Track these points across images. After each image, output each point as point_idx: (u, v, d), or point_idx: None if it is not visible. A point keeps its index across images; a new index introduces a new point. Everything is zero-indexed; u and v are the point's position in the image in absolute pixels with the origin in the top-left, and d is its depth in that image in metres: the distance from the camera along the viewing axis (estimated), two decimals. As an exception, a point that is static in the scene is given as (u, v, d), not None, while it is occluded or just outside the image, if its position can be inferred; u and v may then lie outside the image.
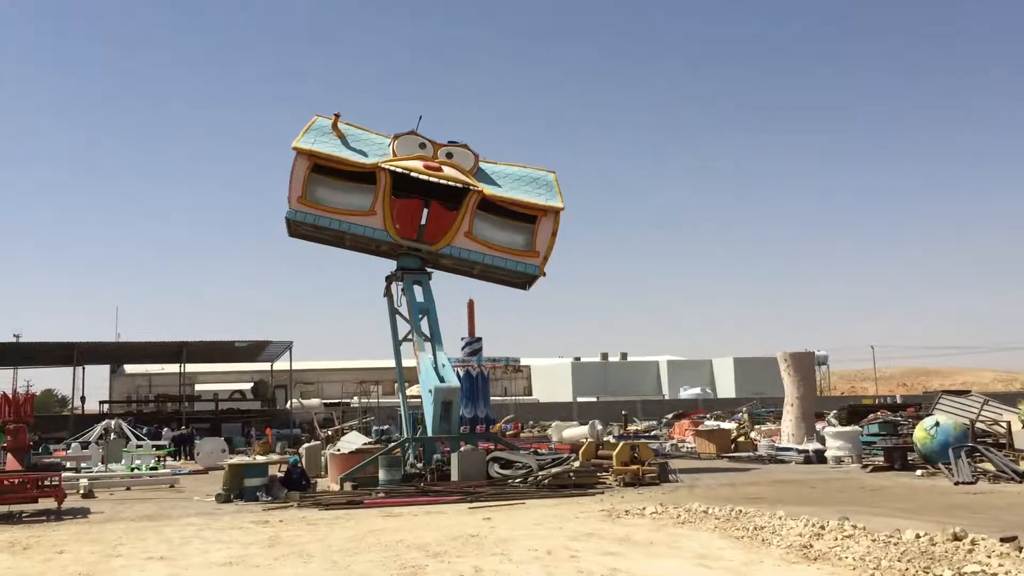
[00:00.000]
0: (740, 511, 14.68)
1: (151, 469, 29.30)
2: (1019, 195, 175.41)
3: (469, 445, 22.79)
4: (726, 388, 75.73)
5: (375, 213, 25.56)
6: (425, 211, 25.97)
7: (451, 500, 19.25)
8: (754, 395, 66.55)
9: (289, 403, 55.18)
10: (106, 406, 58.12)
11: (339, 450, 24.07)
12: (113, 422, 38.67)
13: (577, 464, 21.72)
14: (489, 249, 26.24)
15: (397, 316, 26.70)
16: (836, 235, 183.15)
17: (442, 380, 23.91)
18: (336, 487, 22.39)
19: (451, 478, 21.94)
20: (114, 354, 58.03)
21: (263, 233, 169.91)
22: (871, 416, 29.65)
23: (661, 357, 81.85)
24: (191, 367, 55.06)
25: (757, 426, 38.21)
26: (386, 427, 42.70)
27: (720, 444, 32.06)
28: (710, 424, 38.01)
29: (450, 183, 25.71)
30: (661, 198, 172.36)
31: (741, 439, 33.00)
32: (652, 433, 46.06)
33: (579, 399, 69.38)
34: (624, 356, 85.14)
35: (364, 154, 26.04)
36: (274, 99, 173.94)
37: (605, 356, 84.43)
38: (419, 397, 42.26)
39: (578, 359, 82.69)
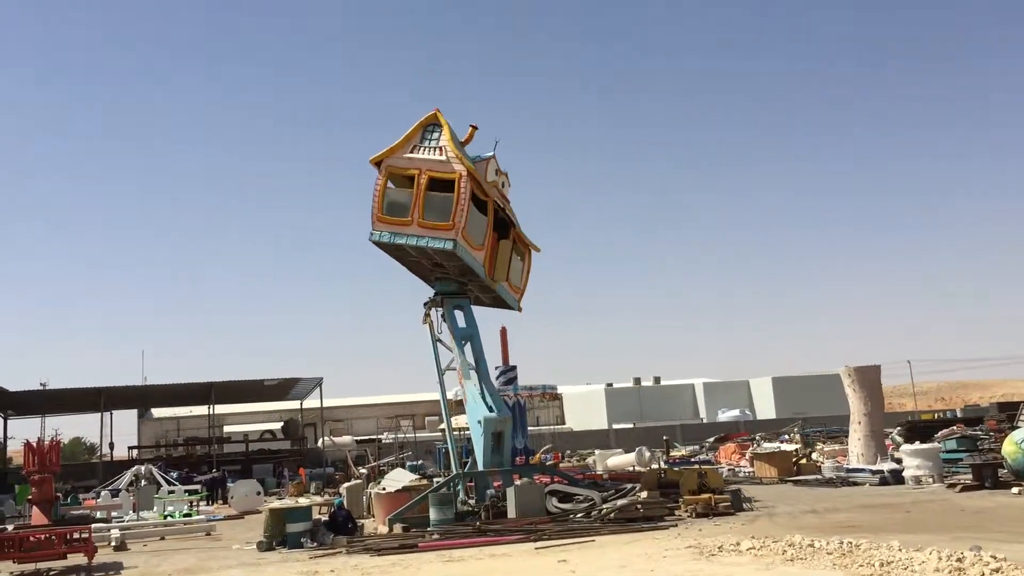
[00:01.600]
0: (851, 544, 12.98)
1: (184, 516, 27.83)
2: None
3: (525, 478, 21.16)
4: (765, 409, 73.62)
5: (483, 248, 23.74)
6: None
7: (513, 540, 17.62)
8: (795, 415, 64.54)
9: (320, 441, 53.61)
10: (135, 452, 56.74)
11: (384, 489, 22.50)
12: (143, 468, 37.20)
13: (645, 495, 20.02)
14: (510, 287, 25.56)
15: (439, 344, 25.15)
16: (865, 249, 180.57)
17: (491, 409, 22.38)
18: (384, 529, 20.80)
19: (507, 515, 20.31)
20: (142, 398, 56.77)
21: (281, 272, 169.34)
22: (945, 432, 27.77)
23: (696, 380, 79.86)
24: (219, 408, 53.79)
25: (818, 446, 36.24)
26: (420, 462, 41.13)
27: (782, 467, 30.25)
28: (769, 447, 36.13)
29: (514, 222, 25.04)
30: (684, 220, 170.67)
31: (803, 461, 31.15)
32: (697, 457, 44.20)
33: (614, 426, 67.54)
34: (657, 380, 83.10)
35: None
36: (290, 119, 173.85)
37: (638, 381, 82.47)
38: (461, 430, 41.04)
39: (610, 385, 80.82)
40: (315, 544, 18.79)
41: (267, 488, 39.45)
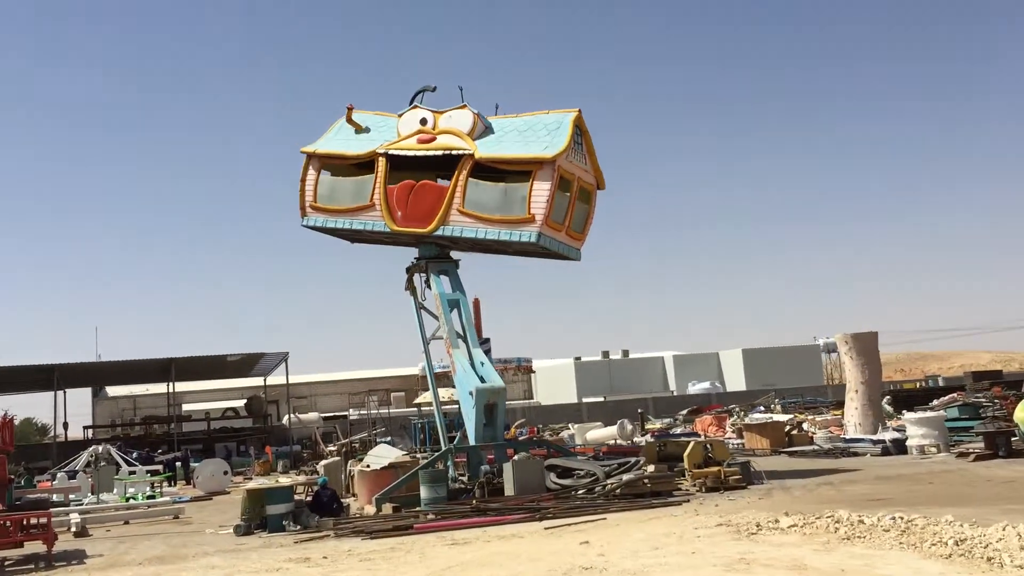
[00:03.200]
0: (903, 519, 11.76)
1: (148, 497, 26.12)
2: (1009, 176, 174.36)
3: (523, 453, 19.80)
4: (735, 381, 73.07)
5: (373, 205, 23.19)
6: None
7: (517, 519, 16.27)
8: (765, 386, 64.06)
9: (287, 418, 51.81)
10: (90, 432, 54.48)
11: (368, 466, 21.00)
12: (101, 447, 35.34)
13: (652, 469, 18.75)
14: (481, 222, 22.30)
15: (423, 311, 23.64)
16: (825, 222, 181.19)
17: (483, 380, 20.94)
18: (371, 509, 19.33)
19: (504, 492, 18.95)
20: (96, 375, 54.42)
21: (238, 244, 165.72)
22: (945, 399, 26.88)
23: (666, 352, 79.10)
24: (179, 386, 51.59)
25: (800, 417, 35.31)
26: (389, 439, 39.67)
27: (774, 438, 29.25)
28: (759, 417, 35.16)
29: (436, 152, 22.81)
30: (654, 189, 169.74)
31: (794, 432, 30.17)
32: (676, 430, 43.24)
33: (585, 399, 66.61)
34: (626, 353, 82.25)
35: (369, 142, 23.61)
36: (258, 93, 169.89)
37: (606, 354, 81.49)
38: (431, 404, 39.58)
39: (579, 359, 79.83)
40: (298, 527, 17.29)
41: (233, 467, 37.71)
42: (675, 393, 70.59)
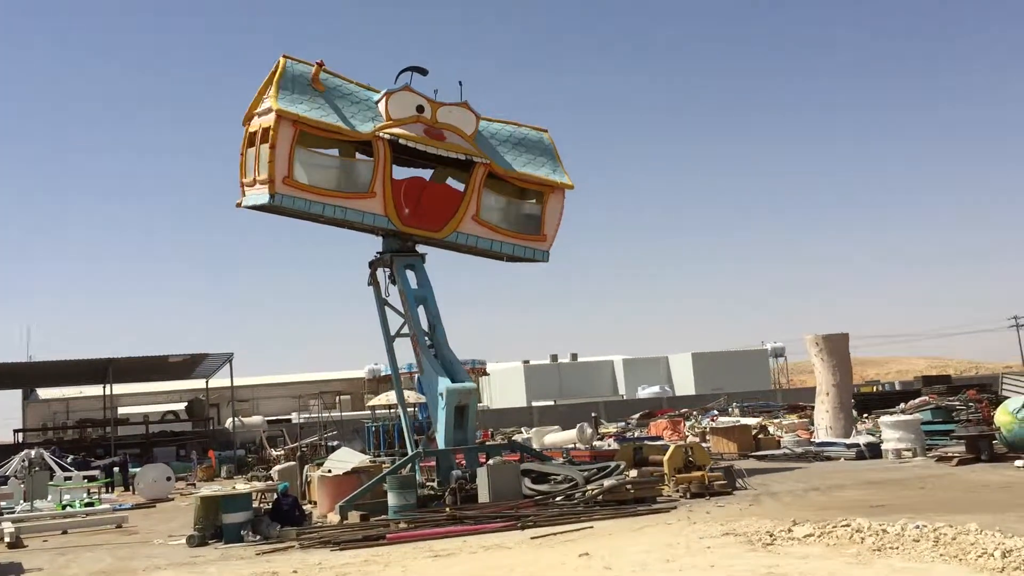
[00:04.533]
0: (929, 528, 10.95)
1: (86, 505, 24.43)
2: (943, 181, 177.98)
3: (497, 457, 18.70)
4: (684, 385, 72.78)
5: (374, 195, 20.94)
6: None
7: (497, 527, 15.19)
8: (715, 391, 63.89)
9: (232, 422, 49.89)
10: (20, 435, 51.93)
11: (329, 471, 19.69)
12: (34, 451, 33.29)
13: (634, 474, 17.80)
14: (497, 234, 22.46)
15: (387, 308, 22.38)
16: (768, 223, 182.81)
17: (453, 380, 19.81)
18: (334, 517, 18.03)
19: (479, 498, 17.84)
20: (28, 376, 51.85)
21: (178, 239, 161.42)
22: (916, 402, 26.46)
23: (615, 356, 78.55)
24: (115, 389, 49.39)
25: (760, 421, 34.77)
26: (336, 444, 38.26)
27: (741, 442, 28.58)
28: (726, 420, 34.51)
29: (457, 155, 21.72)
30: (604, 194, 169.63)
31: (761, 436, 29.56)
32: (632, 434, 42.51)
33: (534, 403, 65.71)
34: (575, 357, 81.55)
35: (352, 117, 21.05)
36: (196, 67, 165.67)
37: (555, 358, 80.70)
38: (390, 407, 38.22)
39: (527, 362, 78.93)
40: (258, 537, 15.94)
41: (174, 472, 35.93)
42: (625, 397, 70.04)
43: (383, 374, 69.23)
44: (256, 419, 53.86)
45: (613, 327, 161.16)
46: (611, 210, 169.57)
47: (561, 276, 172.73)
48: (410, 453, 20.00)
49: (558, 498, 17.65)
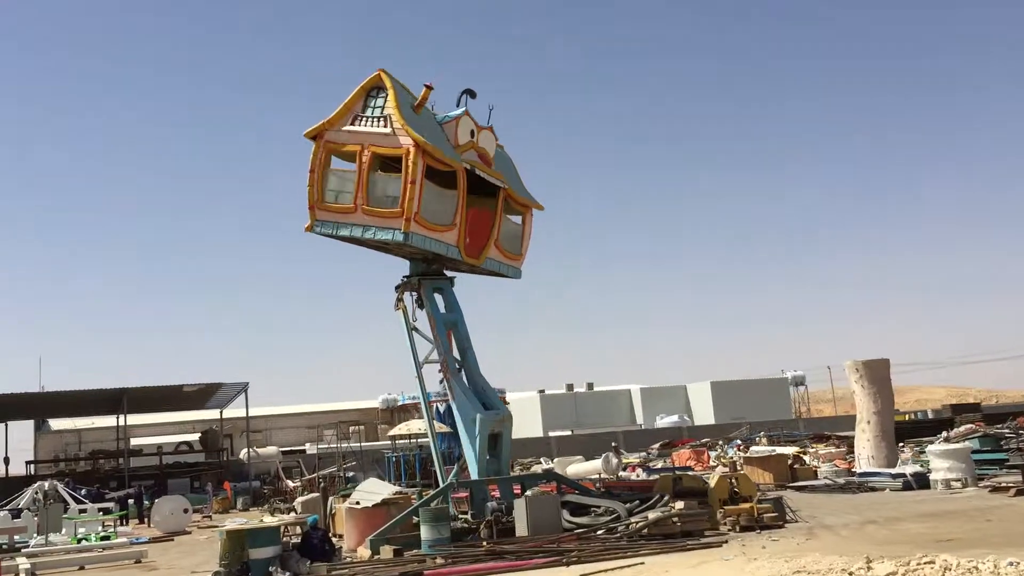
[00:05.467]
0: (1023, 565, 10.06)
1: (102, 538, 23.62)
2: (965, 216, 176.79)
3: (535, 488, 17.83)
4: (703, 415, 71.70)
5: (454, 227, 20.02)
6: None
7: (541, 563, 14.34)
8: (734, 420, 62.82)
9: (247, 452, 49.00)
10: (33, 467, 51.14)
11: (358, 503, 18.84)
12: (47, 483, 32.51)
13: (680, 505, 16.90)
14: (505, 257, 21.81)
15: (415, 333, 21.62)
16: (789, 258, 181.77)
17: (486, 407, 19.00)
18: (365, 552, 17.16)
19: (515, 532, 16.96)
20: (40, 407, 51.20)
21: (168, 275, 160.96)
22: (963, 430, 25.52)
23: (633, 385, 77.55)
24: (128, 419, 48.64)
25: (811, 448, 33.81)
26: (352, 475, 37.40)
27: (778, 472, 27.62)
28: (761, 450, 33.52)
29: (499, 183, 21.24)
30: (619, 223, 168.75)
31: (797, 466, 28.58)
32: (657, 464, 41.48)
33: (551, 433, 64.69)
34: (590, 386, 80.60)
35: (439, 141, 19.81)
36: (211, 82, 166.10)
37: (571, 387, 79.75)
38: (410, 437, 37.34)
39: (543, 391, 77.98)
40: (287, 574, 15.11)
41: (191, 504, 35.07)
42: (643, 426, 69.01)
43: (399, 404, 68.65)
44: (271, 450, 52.99)
45: (629, 356, 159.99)
46: (627, 239, 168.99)
47: (576, 304, 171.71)
48: (441, 484, 19.16)
49: (600, 531, 16.78)
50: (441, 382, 24.15)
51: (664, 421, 67.53)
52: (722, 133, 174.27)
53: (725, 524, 17.38)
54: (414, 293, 21.55)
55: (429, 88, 19.56)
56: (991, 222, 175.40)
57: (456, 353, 20.61)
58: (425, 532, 16.61)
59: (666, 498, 17.67)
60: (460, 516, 18.55)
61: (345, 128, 19.39)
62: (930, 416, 44.34)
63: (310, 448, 58.00)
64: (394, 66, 19.95)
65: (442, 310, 21.02)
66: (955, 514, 17.40)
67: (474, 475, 18.83)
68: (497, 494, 18.89)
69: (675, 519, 16.47)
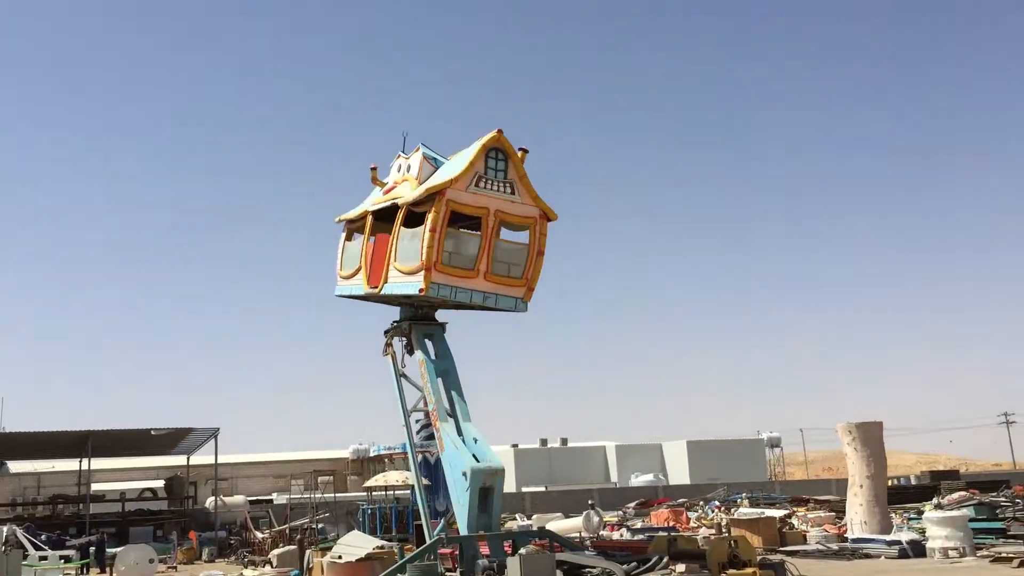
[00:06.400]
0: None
1: (64, 589, 22.45)
2: (935, 277, 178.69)
3: (529, 546, 17.02)
4: (679, 474, 70.89)
5: (361, 267, 21.22)
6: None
7: (539, 627, 13.51)
8: (710, 480, 62.10)
9: (213, 501, 47.50)
10: (-10, 511, 49.29)
11: (340, 557, 17.94)
12: (6, 528, 31.12)
13: (681, 568, 16.16)
14: (402, 276, 19.77)
15: (404, 380, 20.91)
16: (758, 316, 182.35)
17: (478, 459, 18.24)
18: (346, 610, 16.26)
19: (508, 592, 16.12)
20: (1, 448, 49.54)
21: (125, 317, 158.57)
22: (955, 497, 25.01)
23: (608, 442, 76.67)
24: (88, 464, 47.08)
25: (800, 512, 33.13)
26: (320, 526, 36.24)
27: (767, 535, 26.86)
28: (749, 512, 32.80)
29: (379, 205, 20.98)
30: (596, 275, 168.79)
31: (786, 530, 27.90)
32: (634, 524, 40.62)
33: (524, 489, 63.62)
34: (564, 442, 79.64)
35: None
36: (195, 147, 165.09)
37: (545, 442, 78.76)
38: (386, 489, 36.21)
39: (516, 446, 76.90)
40: (267, 632, 14.17)
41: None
42: (617, 484, 68.10)
43: (371, 455, 67.25)
44: (238, 499, 51.51)
45: (604, 412, 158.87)
46: (602, 293, 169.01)
47: (550, 357, 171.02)
48: (427, 539, 18.31)
49: (596, 594, 16.00)
50: (419, 432, 23.49)
51: (639, 479, 66.63)
52: (697, 180, 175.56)
53: (726, 590, 16.63)
54: (403, 339, 20.97)
55: (373, 169, 21.44)
56: (972, 285, 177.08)
57: (446, 402, 19.89)
58: (412, 590, 15.74)
59: (665, 560, 16.93)
60: (447, 573, 17.67)
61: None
62: (913, 482, 43.79)
63: (277, 498, 56.65)
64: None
65: (432, 356, 20.38)
66: (962, 585, 16.79)
67: (463, 530, 18.00)
68: (487, 551, 18.04)
69: (676, 583, 15.72)
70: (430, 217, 18.76)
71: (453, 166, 19.82)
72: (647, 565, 16.67)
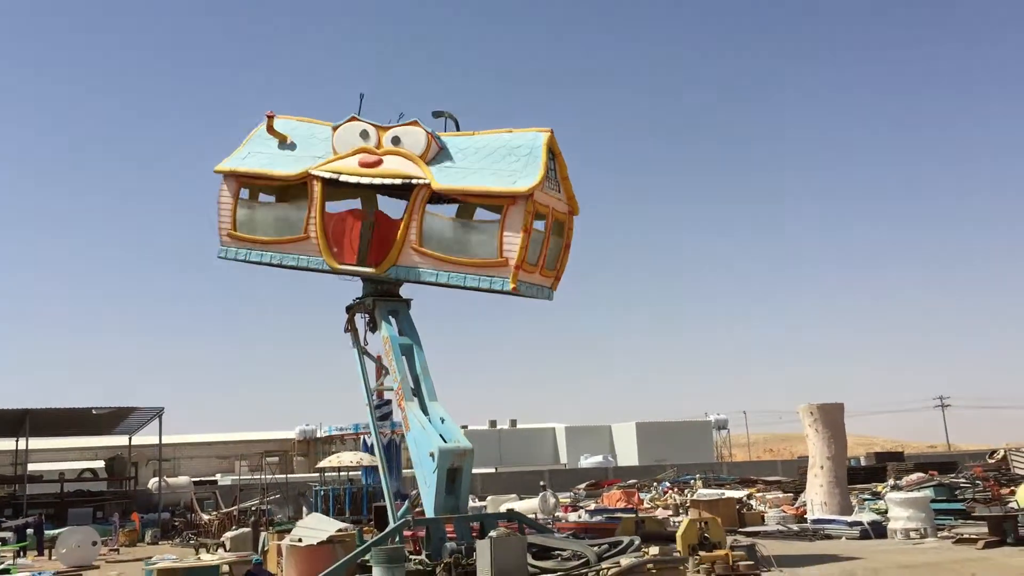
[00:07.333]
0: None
1: (1, 571, 21.46)
2: (882, 260, 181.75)
3: (501, 529, 16.54)
4: (628, 455, 71.13)
5: (308, 237, 20.18)
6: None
7: (515, 613, 13.04)
8: (657, 462, 62.46)
9: (156, 482, 46.24)
10: (-81, 491, 47.35)
11: (299, 540, 17.27)
12: (-60, 509, 29.79)
13: (655, 551, 15.82)
14: (444, 263, 19.44)
15: (366, 357, 20.24)
16: (704, 296, 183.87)
17: (445, 439, 17.69)
18: (308, 595, 15.63)
19: (478, 575, 15.62)
20: (-69, 427, 47.58)
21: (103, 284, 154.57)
22: (915, 478, 25.15)
23: (557, 424, 76.61)
24: (26, 443, 45.49)
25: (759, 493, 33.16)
26: (268, 508, 35.45)
27: (726, 516, 26.64)
28: (708, 493, 32.72)
29: (385, 180, 19.93)
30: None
31: (744, 511, 27.86)
32: (587, 505, 40.44)
33: (474, 470, 63.15)
34: (514, 423, 79.45)
35: (297, 160, 20.58)
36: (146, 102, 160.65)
37: (494, 423, 78.49)
38: (346, 470, 35.54)
39: (465, 427, 76.42)
40: (228, 619, 13.50)
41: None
42: (567, 466, 68.15)
43: (318, 436, 66.27)
44: (182, 480, 50.25)
45: (553, 394, 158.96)
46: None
47: (499, 339, 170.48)
48: (391, 522, 17.73)
49: (568, 577, 15.59)
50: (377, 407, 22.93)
51: (589, 461, 66.71)
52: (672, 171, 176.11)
53: (699, 572, 16.34)
54: (366, 315, 20.33)
55: (270, 116, 20.97)
56: (912, 266, 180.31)
57: (411, 380, 19.29)
58: (378, 573, 15.15)
59: (637, 542, 16.58)
60: (413, 557, 17.12)
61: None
62: (863, 463, 44.29)
63: (222, 479, 55.56)
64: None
65: (396, 333, 19.75)
66: (935, 567, 16.74)
67: (429, 512, 17.45)
68: (453, 534, 17.53)
69: (650, 566, 15.38)
70: (521, 217, 18.79)
71: (519, 168, 19.47)
72: (619, 548, 16.29)
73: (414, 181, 19.61)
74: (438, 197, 19.88)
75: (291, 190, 20.89)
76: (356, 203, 21.31)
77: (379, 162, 19.84)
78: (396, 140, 20.12)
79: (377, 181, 19.83)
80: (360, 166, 19.91)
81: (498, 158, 19.76)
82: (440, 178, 19.58)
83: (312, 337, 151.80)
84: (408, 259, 19.61)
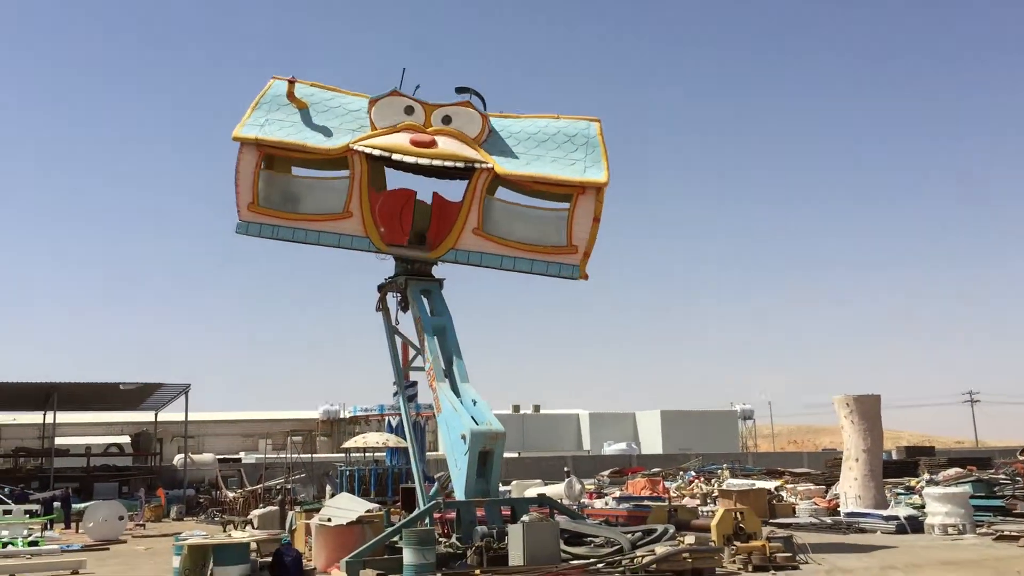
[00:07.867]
0: None
1: (30, 544, 21.41)
2: (910, 257, 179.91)
3: (534, 513, 16.24)
4: (651, 443, 70.80)
5: (350, 215, 19.28)
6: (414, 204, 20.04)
7: (548, 598, 12.76)
8: (681, 450, 62.07)
9: (182, 458, 46.45)
10: (-52, 463, 47.91)
11: (329, 520, 17.06)
12: (-33, 481, 29.93)
13: (691, 539, 15.48)
14: (509, 248, 19.57)
15: (398, 337, 19.97)
16: (725, 290, 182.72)
17: (477, 421, 17.39)
18: (338, 574, 15.41)
19: (509, 560, 15.34)
20: (-38, 399, 47.95)
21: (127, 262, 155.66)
22: (951, 473, 24.61)
23: (581, 410, 76.35)
24: (53, 417, 45.76)
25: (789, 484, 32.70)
26: (291, 487, 35.39)
27: (757, 507, 26.20)
28: (738, 483, 32.32)
29: (447, 163, 19.36)
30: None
31: (775, 502, 27.42)
32: (612, 493, 40.13)
33: (502, 454, 63.06)
34: (537, 408, 79.25)
35: (329, 131, 19.69)
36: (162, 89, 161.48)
37: (517, 408, 78.30)
38: (372, 450, 35.47)
39: (490, 412, 76.34)
40: (257, 597, 13.32)
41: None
42: (590, 452, 67.88)
43: (342, 416, 66.33)
44: (207, 457, 50.50)
45: (577, 380, 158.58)
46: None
47: (524, 323, 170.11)
48: (421, 505, 17.49)
49: (600, 565, 15.27)
50: (396, 394, 22.67)
51: (612, 448, 66.43)
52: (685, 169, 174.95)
53: (734, 563, 15.99)
54: (398, 295, 20.04)
55: (291, 81, 20.07)
56: (939, 264, 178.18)
57: (443, 361, 18.99)
58: (409, 556, 14.86)
59: (672, 531, 16.25)
60: (442, 540, 16.88)
61: None
62: (894, 457, 43.67)
63: (245, 457, 55.76)
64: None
65: (429, 313, 19.46)
66: (977, 564, 16.26)
67: (459, 495, 17.18)
68: (485, 518, 17.26)
69: (686, 555, 15.04)
70: (592, 207, 19.56)
71: (582, 157, 20.03)
72: (653, 536, 15.96)
73: (477, 165, 19.38)
74: (496, 183, 19.71)
75: (324, 163, 20.28)
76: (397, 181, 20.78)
77: (433, 142, 19.42)
78: (447, 119, 19.83)
79: (437, 163, 19.20)
80: (412, 144, 19.32)
81: (553, 145, 20.16)
82: (502, 163, 19.57)
83: (338, 316, 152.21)
84: (468, 243, 19.47)
